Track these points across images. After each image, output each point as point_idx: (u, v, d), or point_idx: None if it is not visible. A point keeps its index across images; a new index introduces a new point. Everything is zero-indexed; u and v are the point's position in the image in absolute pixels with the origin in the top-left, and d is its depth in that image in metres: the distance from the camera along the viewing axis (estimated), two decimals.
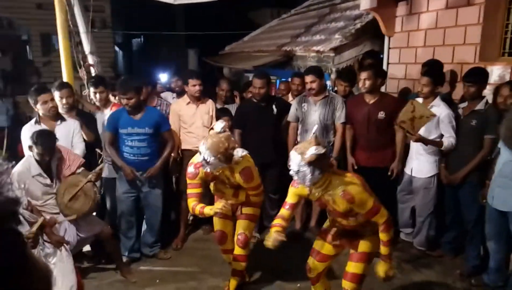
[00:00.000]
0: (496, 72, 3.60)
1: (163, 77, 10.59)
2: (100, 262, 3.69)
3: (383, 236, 2.42)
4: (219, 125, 2.68)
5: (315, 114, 3.94)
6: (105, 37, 12.45)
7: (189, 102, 4.07)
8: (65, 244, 2.91)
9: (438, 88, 3.59)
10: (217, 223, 3.19)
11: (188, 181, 2.93)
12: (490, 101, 3.41)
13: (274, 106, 4.11)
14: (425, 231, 3.74)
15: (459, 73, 3.91)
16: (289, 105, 4.20)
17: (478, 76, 3.34)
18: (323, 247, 2.69)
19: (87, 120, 3.76)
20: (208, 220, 4.45)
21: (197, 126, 4.03)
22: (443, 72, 3.75)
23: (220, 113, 4.10)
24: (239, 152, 2.65)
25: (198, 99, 4.05)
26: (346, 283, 2.59)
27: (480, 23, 3.78)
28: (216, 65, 9.41)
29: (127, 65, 14.79)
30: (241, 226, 3.10)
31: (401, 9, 4.69)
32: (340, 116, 3.90)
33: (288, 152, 4.14)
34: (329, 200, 2.39)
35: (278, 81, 6.17)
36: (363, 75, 3.71)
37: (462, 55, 3.95)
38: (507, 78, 3.50)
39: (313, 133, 2.40)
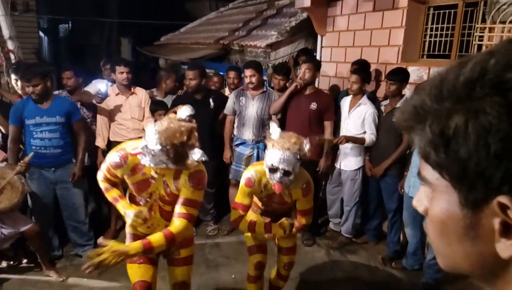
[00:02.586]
0: (415, 73, 3.91)
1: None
2: (21, 261, 3.45)
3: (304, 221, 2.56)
4: (184, 111, 1.98)
5: (252, 108, 3.99)
6: (28, 21, 11.48)
7: (118, 93, 3.94)
8: None
9: (366, 86, 3.83)
10: (136, 272, 2.29)
11: (104, 172, 2.14)
12: None
13: (211, 100, 4.10)
14: (351, 220, 3.99)
15: (383, 73, 4.20)
16: (227, 98, 4.21)
17: (399, 75, 3.62)
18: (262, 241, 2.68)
19: (4, 111, 3.47)
20: None
21: (126, 118, 3.91)
22: (370, 71, 4.01)
23: (155, 106, 4.01)
24: (196, 155, 1.94)
25: (129, 89, 3.93)
26: (287, 257, 2.72)
27: (403, 26, 4.07)
28: (151, 55, 9.12)
29: (53, 52, 13.78)
30: (179, 274, 2.41)
31: (332, 10, 4.90)
32: None
33: (224, 145, 4.21)
34: (284, 193, 2.41)
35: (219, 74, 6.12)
36: (305, 66, 3.85)
37: (386, 56, 4.24)
38: (425, 78, 3.81)
39: (277, 130, 2.31)
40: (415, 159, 3.19)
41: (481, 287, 0.48)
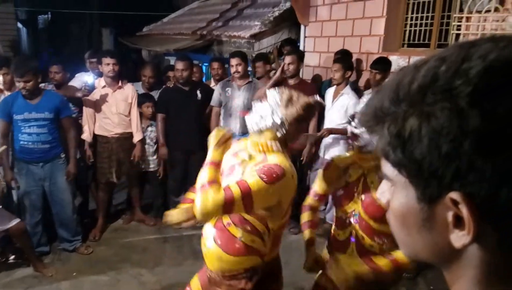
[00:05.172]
0: (396, 62, 3.98)
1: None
2: (8, 258, 3.44)
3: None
4: None
5: (239, 99, 3.99)
6: (5, 12, 11.19)
7: (104, 86, 3.90)
8: None
9: (348, 73, 3.88)
10: None
11: None
12: None
13: (198, 92, 4.09)
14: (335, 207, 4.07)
15: (365, 62, 4.25)
16: (213, 90, 4.20)
17: (383, 64, 3.68)
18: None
19: None
20: (128, 208, 4.36)
21: (112, 113, 3.87)
22: (351, 60, 4.06)
23: (143, 99, 4.00)
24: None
25: (116, 82, 3.89)
26: None
27: (384, 16, 4.13)
28: (134, 47, 9.01)
29: (32, 44, 13.46)
30: None
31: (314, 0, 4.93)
32: None
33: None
34: (373, 181, 1.82)
35: (204, 66, 6.05)
36: (288, 59, 3.86)
37: (368, 46, 4.29)
38: None
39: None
40: None
41: None
